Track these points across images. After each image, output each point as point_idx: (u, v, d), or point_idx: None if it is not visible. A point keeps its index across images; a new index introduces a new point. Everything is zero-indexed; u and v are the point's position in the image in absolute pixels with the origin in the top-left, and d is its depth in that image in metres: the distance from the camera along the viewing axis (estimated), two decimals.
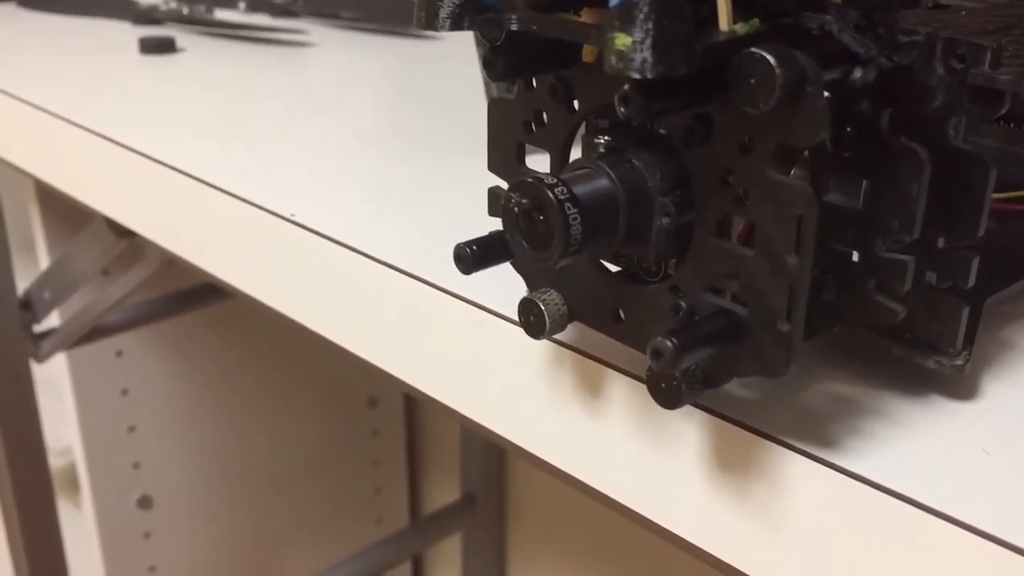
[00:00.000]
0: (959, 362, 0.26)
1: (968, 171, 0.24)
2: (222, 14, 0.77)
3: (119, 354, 0.93)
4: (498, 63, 0.24)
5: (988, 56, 0.24)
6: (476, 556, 1.13)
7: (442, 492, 1.21)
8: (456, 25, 0.23)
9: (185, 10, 0.76)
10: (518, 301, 0.27)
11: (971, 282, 0.25)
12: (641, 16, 0.19)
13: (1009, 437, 0.25)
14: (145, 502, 0.99)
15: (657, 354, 0.22)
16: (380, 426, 1.17)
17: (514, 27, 0.23)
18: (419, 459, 1.24)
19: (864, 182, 0.24)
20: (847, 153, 0.24)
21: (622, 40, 0.20)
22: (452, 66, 0.63)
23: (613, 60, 0.20)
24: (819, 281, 0.25)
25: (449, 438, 1.16)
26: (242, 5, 0.77)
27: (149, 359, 0.95)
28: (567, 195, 0.23)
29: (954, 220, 0.25)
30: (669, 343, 0.22)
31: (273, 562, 1.13)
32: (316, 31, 0.72)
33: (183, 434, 1.00)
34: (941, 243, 0.25)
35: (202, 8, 0.77)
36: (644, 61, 0.20)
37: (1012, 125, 0.34)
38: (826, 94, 0.21)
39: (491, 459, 1.09)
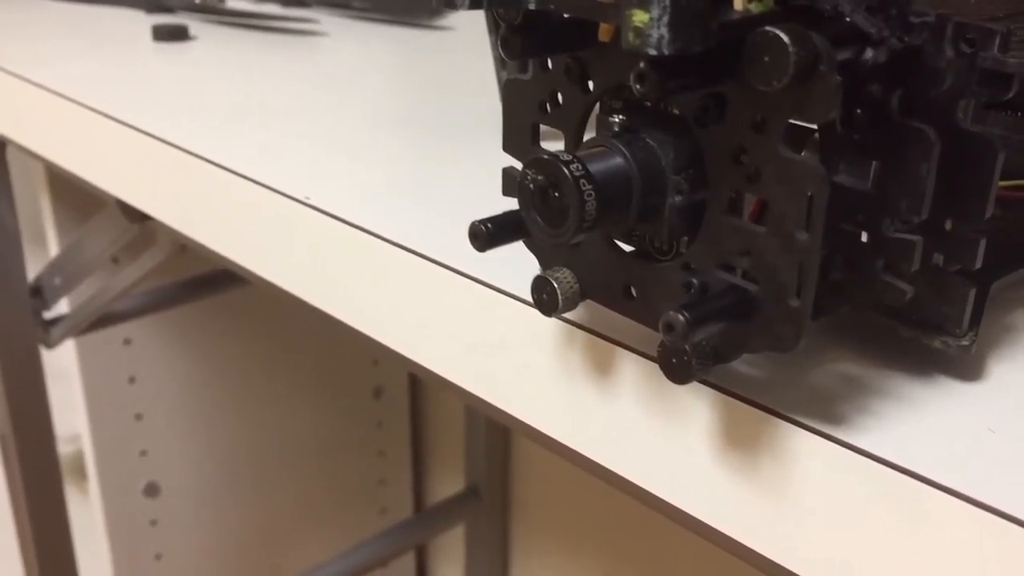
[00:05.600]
0: (965, 343, 0.26)
1: (977, 154, 0.24)
2: (233, 3, 0.77)
3: (127, 342, 0.94)
4: (515, 42, 0.24)
5: (997, 40, 0.24)
6: (479, 547, 1.14)
7: (446, 484, 1.21)
8: (476, 4, 0.24)
9: None
10: (531, 280, 0.28)
11: (978, 264, 0.25)
12: None
13: (1014, 416, 0.25)
14: (152, 490, 1.00)
15: (669, 328, 0.23)
16: (385, 417, 1.17)
17: (532, 6, 0.24)
18: (423, 450, 1.24)
19: (874, 163, 0.24)
20: (857, 134, 0.24)
21: (639, 17, 0.20)
22: (462, 55, 0.64)
23: (630, 37, 0.20)
24: (827, 261, 0.25)
25: (454, 430, 1.16)
26: None
27: (157, 347, 0.96)
28: (582, 172, 0.23)
29: (962, 202, 0.25)
30: (681, 317, 0.22)
31: (278, 551, 1.14)
32: (326, 21, 0.73)
33: (190, 422, 1.01)
34: (948, 225, 0.26)
35: None
36: (661, 38, 0.20)
37: (1019, 114, 0.34)
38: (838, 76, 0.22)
39: (495, 451, 1.09)
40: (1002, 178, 0.25)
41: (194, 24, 0.70)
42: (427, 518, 1.17)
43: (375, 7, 0.73)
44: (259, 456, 1.08)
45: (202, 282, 0.91)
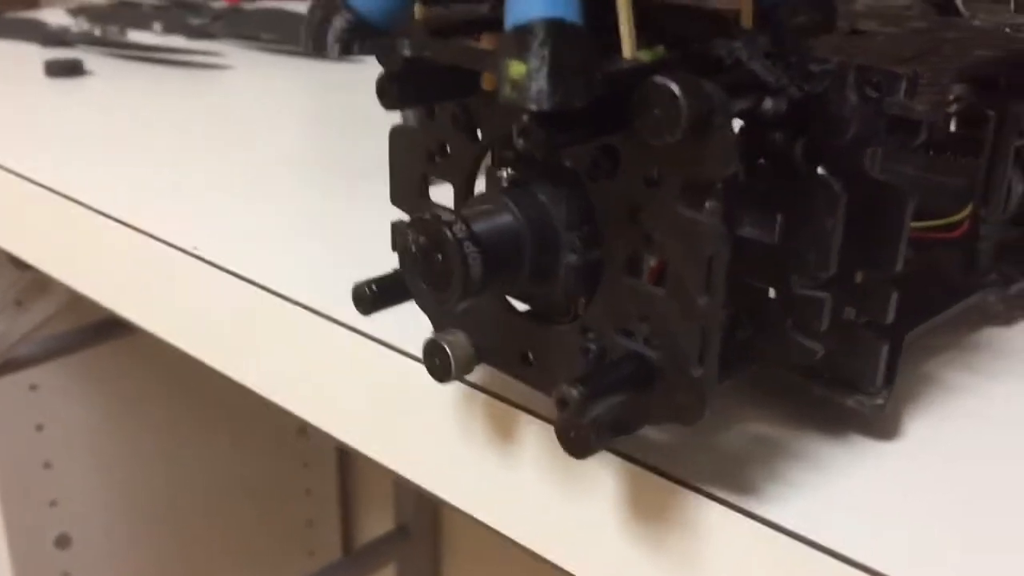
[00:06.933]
0: (879, 401, 0.25)
1: (886, 203, 0.23)
2: (136, 36, 0.74)
3: (33, 388, 0.89)
4: (391, 90, 0.22)
5: (903, 85, 0.23)
6: None
7: (376, 523, 1.18)
8: (346, 50, 0.22)
9: (97, 31, 0.73)
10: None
11: (890, 317, 0.24)
12: (536, 42, 0.18)
13: (928, 477, 0.24)
14: (63, 541, 0.95)
15: (563, 403, 0.21)
16: (311, 457, 1.14)
17: (407, 52, 0.22)
18: (352, 490, 1.21)
19: (779, 215, 0.23)
20: (761, 185, 0.23)
21: (516, 68, 0.18)
22: (371, 90, 0.61)
23: (507, 89, 0.19)
24: (734, 320, 0.24)
25: (382, 467, 1.13)
26: (157, 26, 0.75)
27: (65, 392, 0.92)
28: (466, 233, 0.21)
29: (873, 253, 0.24)
30: (575, 391, 0.20)
31: None
32: (234, 53, 0.70)
33: (102, 469, 0.97)
34: (859, 277, 0.24)
35: (115, 29, 0.74)
36: (540, 91, 0.18)
37: (931, 152, 0.34)
38: (737, 124, 0.20)
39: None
40: (916, 218, 0.24)
41: (91, 58, 0.67)
42: (356, 559, 1.14)
43: (284, 39, 0.71)
44: (178, 501, 1.04)
45: (110, 324, 0.87)
